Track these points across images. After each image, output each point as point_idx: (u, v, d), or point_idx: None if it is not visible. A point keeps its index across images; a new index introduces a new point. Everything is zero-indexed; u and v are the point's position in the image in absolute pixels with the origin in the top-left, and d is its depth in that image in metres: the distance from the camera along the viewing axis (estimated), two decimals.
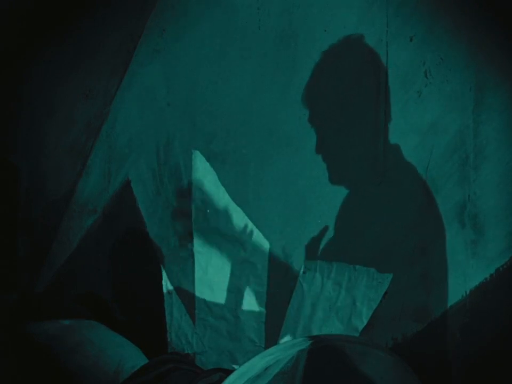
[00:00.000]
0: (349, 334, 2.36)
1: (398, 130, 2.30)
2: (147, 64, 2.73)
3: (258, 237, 2.55)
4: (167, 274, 2.71)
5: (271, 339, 2.53)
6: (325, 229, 2.44)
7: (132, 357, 2.52)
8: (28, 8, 2.75)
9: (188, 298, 2.68)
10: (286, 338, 2.47)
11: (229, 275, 2.61)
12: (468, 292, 2.17)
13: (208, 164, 2.64)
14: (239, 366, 1.98)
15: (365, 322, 2.36)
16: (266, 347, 2.51)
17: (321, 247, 2.45)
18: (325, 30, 2.39)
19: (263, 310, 2.56)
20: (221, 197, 2.62)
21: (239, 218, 2.58)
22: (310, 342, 1.89)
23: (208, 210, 2.64)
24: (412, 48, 2.26)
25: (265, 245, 2.54)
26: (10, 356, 2.37)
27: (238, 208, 2.59)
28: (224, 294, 2.61)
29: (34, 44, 2.84)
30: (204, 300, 2.65)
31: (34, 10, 2.76)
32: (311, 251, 2.47)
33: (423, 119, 2.25)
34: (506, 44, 2.09)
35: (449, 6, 2.19)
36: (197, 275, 2.66)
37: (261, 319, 2.56)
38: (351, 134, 2.38)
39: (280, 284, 2.52)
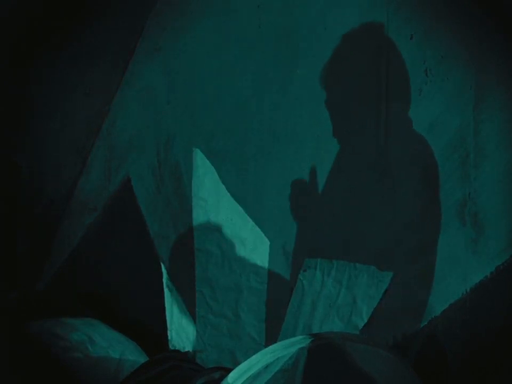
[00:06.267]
0: (349, 332, 2.36)
1: (398, 128, 2.30)
2: (147, 63, 2.73)
3: (259, 235, 2.56)
4: (168, 272, 2.72)
5: (272, 337, 2.53)
6: (325, 227, 2.44)
7: (133, 355, 2.52)
8: (28, 8, 2.75)
9: (188, 296, 2.68)
10: (286, 337, 2.48)
11: (229, 273, 2.61)
12: (468, 290, 2.17)
13: (208, 161, 2.64)
14: (240, 364, 1.99)
15: (365, 320, 2.36)
16: (267, 345, 2.51)
17: (321, 245, 2.45)
18: (325, 29, 2.39)
19: (263, 307, 2.56)
20: (221, 194, 2.62)
21: (239, 216, 2.58)
22: (311, 339, 1.89)
23: (209, 208, 2.64)
24: (412, 46, 2.26)
25: (266, 242, 2.55)
26: (11, 354, 2.37)
27: (238, 206, 2.59)
28: (225, 291, 2.62)
29: (35, 43, 2.83)
30: (204, 298, 2.65)
31: (35, 10, 2.76)
32: (312, 249, 2.47)
33: (423, 118, 2.25)
34: (506, 43, 2.09)
35: (450, 4, 2.19)
36: (197, 273, 2.66)
37: (261, 317, 2.56)
38: (352, 132, 2.38)
39: (280, 282, 2.53)
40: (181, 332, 2.69)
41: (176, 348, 2.68)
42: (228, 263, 2.61)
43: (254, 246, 2.56)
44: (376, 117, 2.32)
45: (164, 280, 2.71)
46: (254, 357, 1.94)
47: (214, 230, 2.62)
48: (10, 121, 2.94)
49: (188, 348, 2.68)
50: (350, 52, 2.37)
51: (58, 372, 2.40)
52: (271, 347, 1.97)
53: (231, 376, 1.94)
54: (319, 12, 2.41)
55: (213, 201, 2.63)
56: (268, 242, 2.54)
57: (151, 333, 2.73)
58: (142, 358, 2.53)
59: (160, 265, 2.72)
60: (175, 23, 2.67)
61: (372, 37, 2.32)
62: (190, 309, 2.68)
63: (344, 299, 2.39)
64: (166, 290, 2.71)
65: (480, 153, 2.16)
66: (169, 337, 2.71)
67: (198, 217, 2.65)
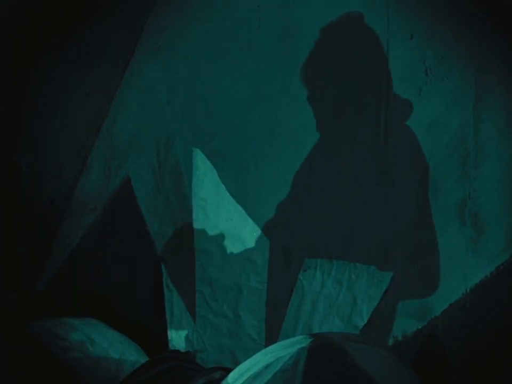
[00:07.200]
0: (349, 332, 2.36)
1: (398, 128, 2.30)
2: (147, 62, 2.73)
3: (259, 235, 2.56)
4: (167, 272, 2.72)
5: (272, 337, 2.53)
6: (325, 227, 2.44)
7: (133, 355, 2.52)
8: (28, 8, 2.75)
9: (188, 296, 2.68)
10: (286, 337, 2.48)
11: (229, 273, 2.61)
12: (468, 290, 2.18)
13: (208, 162, 2.64)
14: (240, 364, 1.99)
15: (365, 320, 2.37)
16: (267, 345, 2.51)
17: (321, 244, 2.45)
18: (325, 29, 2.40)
19: (263, 307, 2.56)
20: (221, 194, 2.62)
21: (240, 216, 2.58)
22: (311, 339, 1.89)
23: (209, 208, 2.64)
24: (413, 46, 2.26)
25: (266, 242, 2.55)
26: (11, 354, 2.37)
27: (239, 206, 2.59)
28: (225, 291, 2.62)
29: (35, 43, 2.83)
30: (204, 298, 2.65)
31: (35, 10, 2.76)
32: (312, 249, 2.47)
33: (423, 118, 2.25)
34: (506, 43, 2.09)
35: (450, 4, 2.19)
36: (197, 273, 2.66)
37: (261, 317, 2.56)
38: (352, 133, 2.39)
39: (280, 282, 2.53)
40: (181, 331, 2.69)
41: (176, 348, 2.68)
42: (228, 263, 2.61)
43: (254, 246, 2.56)
44: (376, 117, 2.32)
45: (164, 280, 2.71)
46: (254, 357, 1.94)
47: (214, 230, 2.62)
48: (10, 121, 2.94)
49: (188, 347, 2.68)
50: (349, 52, 2.37)
51: (58, 372, 2.39)
52: (271, 347, 1.97)
53: (231, 376, 1.94)
54: (319, 12, 2.41)
55: (213, 201, 2.63)
56: (268, 242, 2.54)
57: (151, 333, 2.73)
58: (142, 358, 2.52)
59: (160, 265, 2.72)
60: (175, 23, 2.67)
61: (372, 37, 2.32)
62: (190, 309, 2.68)
63: (344, 299, 2.40)
64: (166, 290, 2.71)
65: (480, 153, 2.16)
66: (169, 337, 2.71)
67: (198, 217, 2.65)
